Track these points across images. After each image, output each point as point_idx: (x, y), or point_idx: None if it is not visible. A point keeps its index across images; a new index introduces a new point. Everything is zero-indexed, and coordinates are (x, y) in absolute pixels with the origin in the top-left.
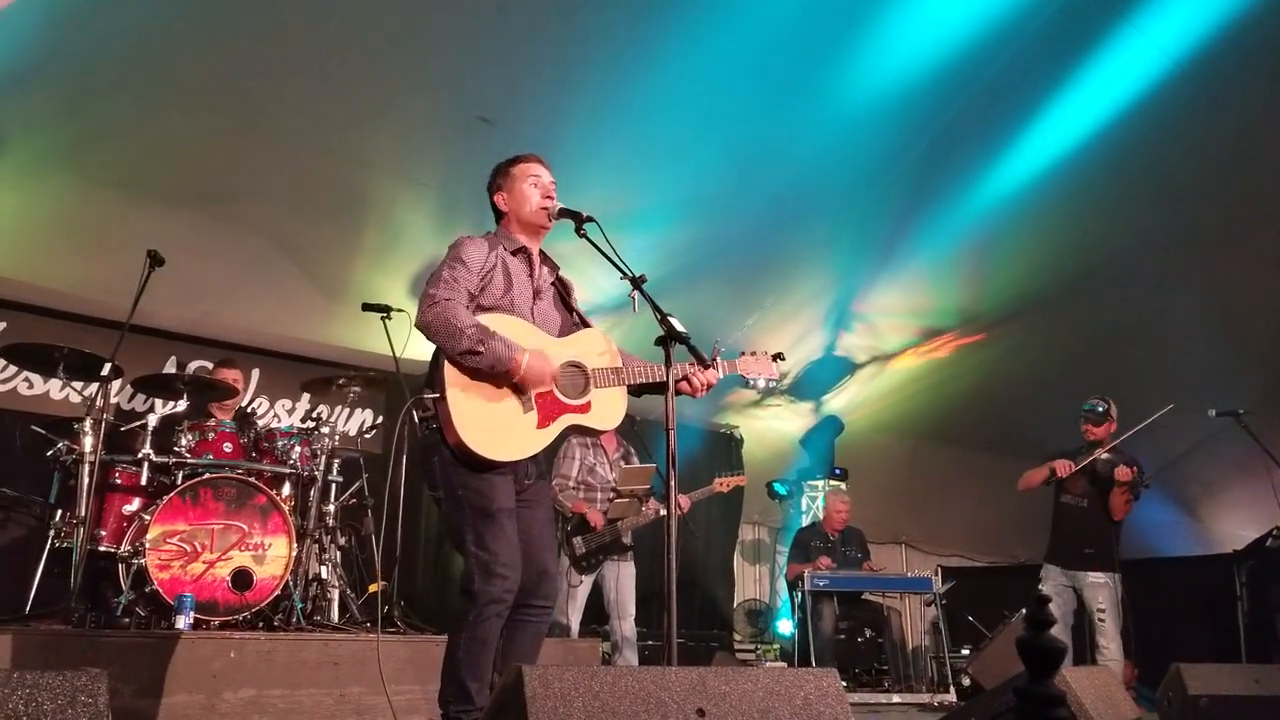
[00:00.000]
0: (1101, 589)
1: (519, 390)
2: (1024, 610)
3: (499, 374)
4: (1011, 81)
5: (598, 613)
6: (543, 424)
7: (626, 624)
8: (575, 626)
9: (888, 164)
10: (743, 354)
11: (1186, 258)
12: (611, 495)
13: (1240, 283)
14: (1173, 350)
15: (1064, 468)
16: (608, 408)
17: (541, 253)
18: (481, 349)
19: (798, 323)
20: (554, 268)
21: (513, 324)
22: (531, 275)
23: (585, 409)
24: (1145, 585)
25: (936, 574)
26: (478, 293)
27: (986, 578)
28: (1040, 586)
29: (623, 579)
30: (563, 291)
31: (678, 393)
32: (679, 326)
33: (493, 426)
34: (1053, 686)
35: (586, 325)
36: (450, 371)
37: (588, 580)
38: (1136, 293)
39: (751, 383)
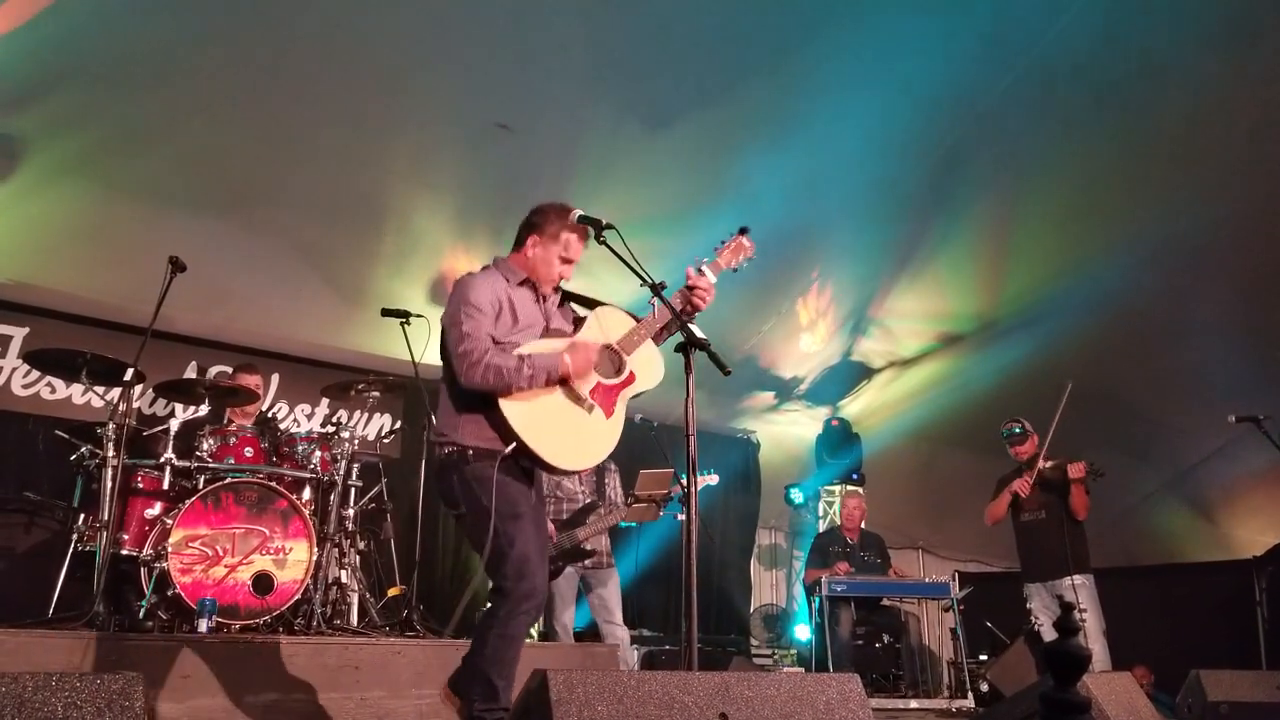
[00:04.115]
0: (1080, 590)
1: (576, 397)
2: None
3: (553, 384)
4: (1028, 83)
5: (595, 630)
6: (609, 413)
7: (617, 628)
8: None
9: (904, 172)
10: (716, 249)
11: (1208, 261)
12: (575, 505)
13: (1264, 286)
14: (1194, 354)
15: (1023, 485)
16: (648, 367)
17: None
18: (531, 371)
19: (814, 328)
20: (558, 289)
21: (540, 343)
22: (539, 302)
23: (631, 379)
24: (1164, 591)
25: (954, 579)
26: (494, 332)
27: (1004, 583)
28: (1029, 606)
29: (608, 583)
30: (565, 296)
31: (694, 311)
32: (699, 333)
33: (568, 436)
34: (1078, 693)
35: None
36: (513, 413)
37: (565, 604)
38: (1157, 296)
39: (739, 268)
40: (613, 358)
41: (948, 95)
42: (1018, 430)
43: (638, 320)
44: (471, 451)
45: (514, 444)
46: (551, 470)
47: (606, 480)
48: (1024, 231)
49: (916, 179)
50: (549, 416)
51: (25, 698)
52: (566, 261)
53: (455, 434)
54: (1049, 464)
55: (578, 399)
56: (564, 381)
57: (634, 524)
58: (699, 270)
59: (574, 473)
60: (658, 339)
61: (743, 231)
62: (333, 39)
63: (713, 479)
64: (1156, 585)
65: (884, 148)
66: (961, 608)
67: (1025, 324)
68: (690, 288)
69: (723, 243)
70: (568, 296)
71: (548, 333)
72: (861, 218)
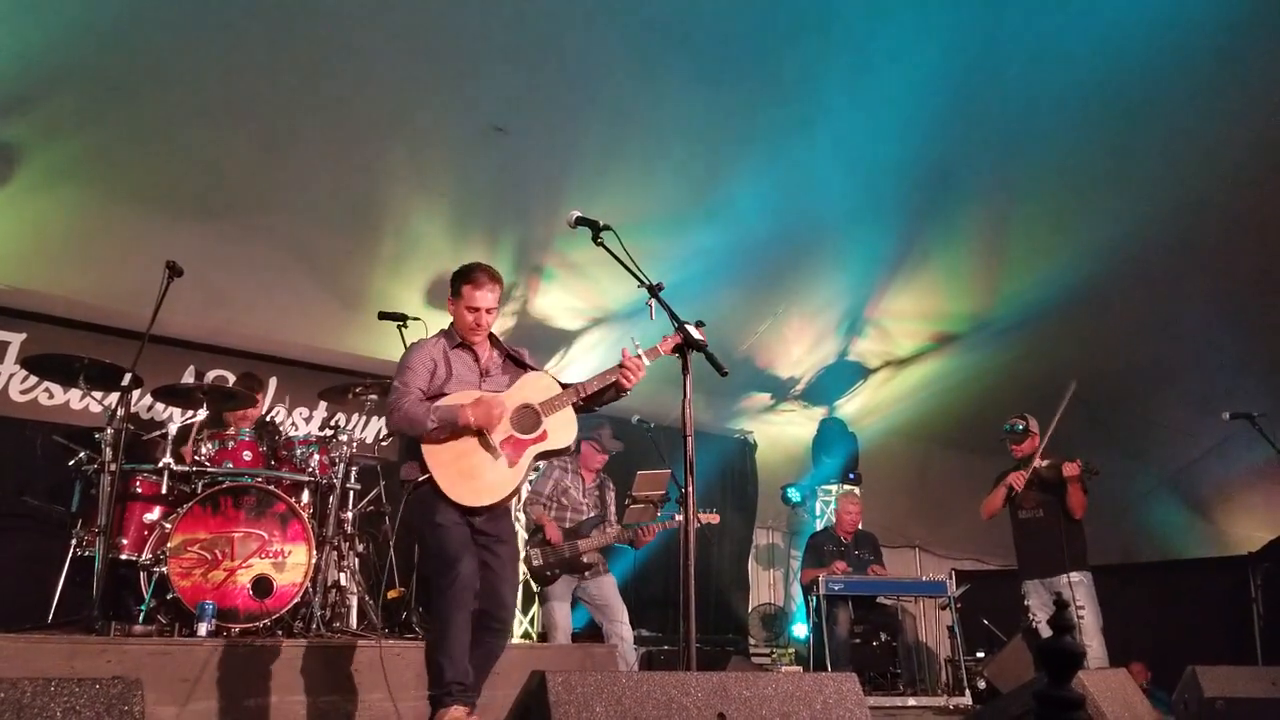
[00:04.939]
0: (1079, 587)
1: (488, 445)
2: (1031, 617)
3: (460, 430)
4: (1024, 84)
5: (594, 630)
6: (512, 463)
7: (622, 628)
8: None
9: (899, 172)
10: (665, 337)
11: (1201, 260)
12: (580, 516)
13: (1257, 284)
14: (1188, 353)
15: (1018, 479)
16: (561, 429)
17: (492, 336)
18: (434, 417)
19: (811, 328)
20: (503, 349)
21: (458, 395)
22: (477, 360)
23: (543, 437)
24: (1160, 588)
25: (950, 578)
26: (427, 388)
27: (1001, 581)
28: (1026, 603)
29: (604, 588)
30: (516, 361)
31: (621, 389)
32: (697, 334)
33: (469, 477)
34: (1073, 690)
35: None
36: (428, 451)
37: (562, 604)
38: (1151, 295)
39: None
40: (531, 416)
41: (943, 97)
42: (1020, 427)
43: (564, 388)
44: (410, 484)
45: (425, 476)
46: (456, 504)
47: (608, 498)
48: (1018, 232)
49: (912, 180)
50: (458, 459)
51: (24, 703)
52: (473, 310)
53: (404, 471)
54: (1045, 463)
55: (489, 447)
56: (481, 432)
57: (634, 546)
58: (636, 355)
59: (476, 509)
60: (593, 401)
61: (699, 325)
62: (328, 44)
63: (714, 518)
64: (1153, 582)
65: (879, 149)
66: (958, 606)
67: (1020, 323)
68: (622, 366)
69: (676, 330)
70: (516, 361)
71: (479, 388)
72: (857, 218)
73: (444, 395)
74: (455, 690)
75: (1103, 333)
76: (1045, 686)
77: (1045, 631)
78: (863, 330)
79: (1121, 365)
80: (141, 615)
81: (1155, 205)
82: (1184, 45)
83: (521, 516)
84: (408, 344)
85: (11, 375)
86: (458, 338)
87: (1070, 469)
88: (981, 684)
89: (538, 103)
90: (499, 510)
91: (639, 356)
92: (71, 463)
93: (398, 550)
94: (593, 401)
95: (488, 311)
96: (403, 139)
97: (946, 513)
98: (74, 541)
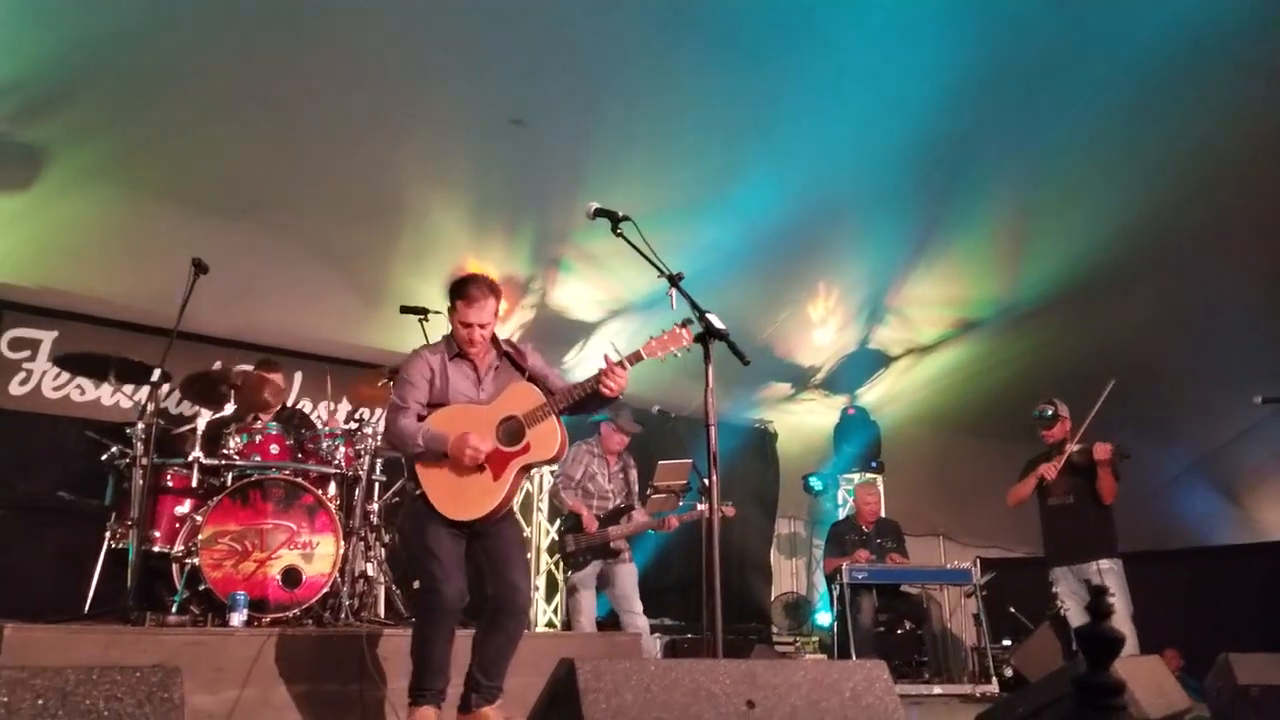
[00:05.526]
0: (1109, 574)
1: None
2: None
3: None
4: (1047, 65)
5: (616, 619)
6: (496, 476)
7: (638, 618)
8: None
9: (920, 156)
10: (650, 339)
11: (1232, 240)
12: (607, 503)
13: None
14: (1218, 337)
15: (1050, 469)
16: (543, 441)
17: (493, 337)
18: (422, 441)
19: (831, 317)
20: (501, 352)
21: (450, 413)
22: (475, 369)
23: (526, 449)
24: (1191, 575)
25: (975, 565)
26: (426, 400)
27: (1026, 569)
28: (1055, 590)
29: (623, 577)
30: (515, 361)
31: (607, 395)
32: (718, 323)
33: (457, 493)
34: (1112, 675)
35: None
36: (419, 467)
37: (588, 592)
38: (1180, 278)
39: (675, 357)
40: (515, 428)
41: (961, 78)
42: (1049, 413)
43: (550, 397)
44: (408, 496)
45: (420, 491)
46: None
47: (630, 478)
48: (1042, 214)
49: (932, 163)
50: (446, 474)
51: (68, 690)
52: (466, 325)
53: (406, 481)
54: (1077, 448)
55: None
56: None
57: (658, 531)
58: (619, 363)
59: (462, 522)
60: (580, 408)
61: (685, 324)
62: (346, 41)
63: (729, 511)
64: (1184, 569)
65: (898, 132)
66: (984, 593)
67: (1045, 308)
68: (601, 374)
69: (663, 332)
70: (513, 362)
71: (476, 399)
72: (877, 204)
73: (443, 405)
74: (429, 694)
75: (1130, 315)
76: (1084, 673)
77: (1075, 619)
78: (884, 318)
79: (1150, 348)
80: (175, 606)
81: (1184, 183)
82: (1215, 14)
83: (545, 503)
84: (429, 338)
85: (44, 373)
86: (456, 347)
87: (1102, 451)
88: (1008, 671)
89: (555, 95)
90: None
91: (620, 364)
92: (104, 457)
93: None
94: (579, 409)
95: (482, 326)
96: (420, 134)
97: (971, 500)
98: (108, 534)
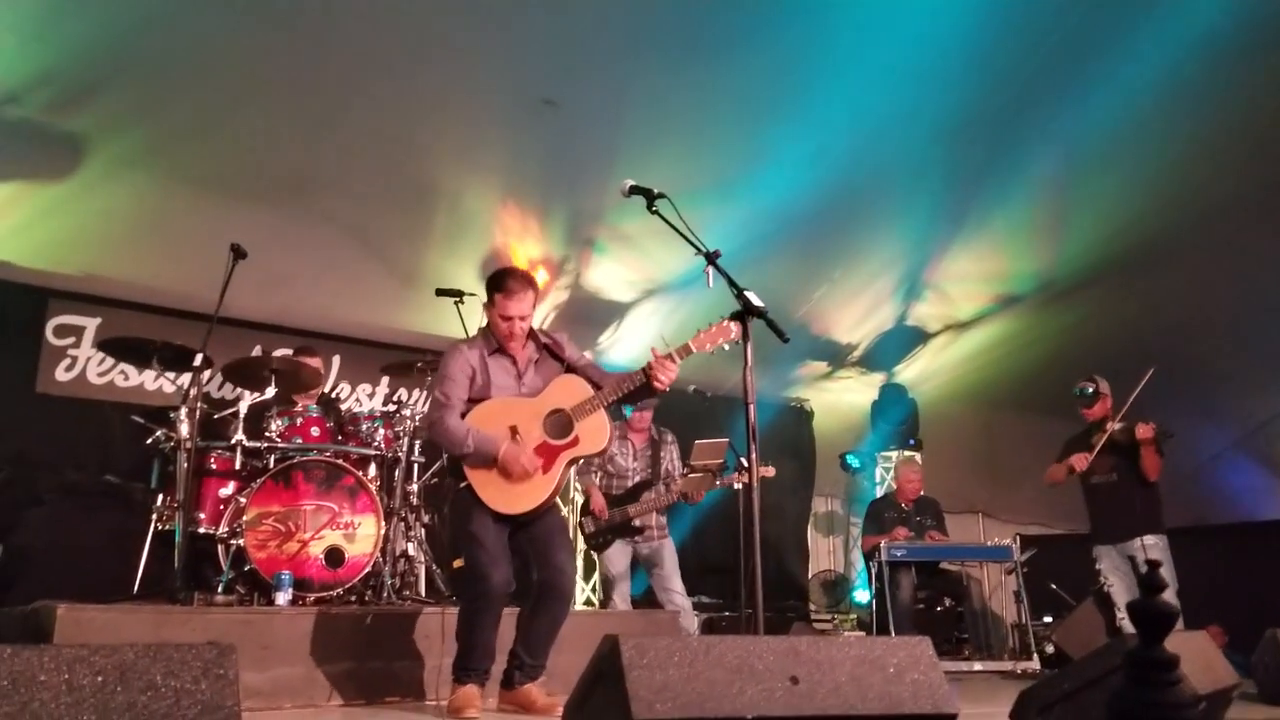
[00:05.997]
0: (1153, 550)
1: None
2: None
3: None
4: (1089, 32)
5: (653, 597)
6: (546, 469)
7: (676, 596)
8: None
9: (959, 128)
10: (699, 331)
11: (1274, 216)
12: (626, 482)
13: None
14: (1262, 309)
15: (1081, 462)
16: (593, 434)
17: (532, 330)
18: (471, 444)
19: (867, 294)
20: (539, 344)
21: (492, 407)
22: (515, 363)
23: (575, 443)
24: (1237, 550)
25: (1015, 542)
26: (466, 395)
27: (1067, 546)
28: (1098, 567)
29: (660, 553)
30: (553, 353)
31: (657, 389)
32: (756, 301)
33: (505, 489)
34: (1165, 650)
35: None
36: (466, 464)
37: (618, 567)
38: (1221, 252)
39: (716, 352)
40: (564, 421)
41: (1000, 48)
42: (1090, 390)
43: (598, 391)
44: (450, 482)
45: (464, 483)
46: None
47: (663, 454)
48: (1083, 187)
49: (970, 137)
50: (493, 472)
51: (127, 666)
52: (507, 319)
53: (447, 473)
54: (1118, 426)
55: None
56: (514, 433)
57: (687, 503)
58: (668, 355)
59: (508, 515)
60: (628, 400)
61: (733, 317)
62: (376, 25)
63: (769, 471)
64: (1229, 544)
65: (936, 106)
66: (1024, 570)
67: (1086, 283)
68: (650, 368)
69: (710, 325)
70: (553, 354)
71: (518, 393)
72: (914, 178)
73: (485, 400)
74: (474, 674)
75: (1172, 289)
76: (1137, 648)
77: (1119, 596)
78: (922, 294)
79: (1192, 322)
80: (221, 586)
81: (1229, 156)
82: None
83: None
84: (464, 319)
85: (89, 358)
86: (495, 342)
87: (1144, 431)
88: (1049, 648)
89: (587, 74)
90: (543, 507)
91: (670, 357)
92: (149, 441)
93: None
94: (627, 401)
95: (521, 319)
96: (453, 117)
97: (1011, 477)
98: (155, 516)
